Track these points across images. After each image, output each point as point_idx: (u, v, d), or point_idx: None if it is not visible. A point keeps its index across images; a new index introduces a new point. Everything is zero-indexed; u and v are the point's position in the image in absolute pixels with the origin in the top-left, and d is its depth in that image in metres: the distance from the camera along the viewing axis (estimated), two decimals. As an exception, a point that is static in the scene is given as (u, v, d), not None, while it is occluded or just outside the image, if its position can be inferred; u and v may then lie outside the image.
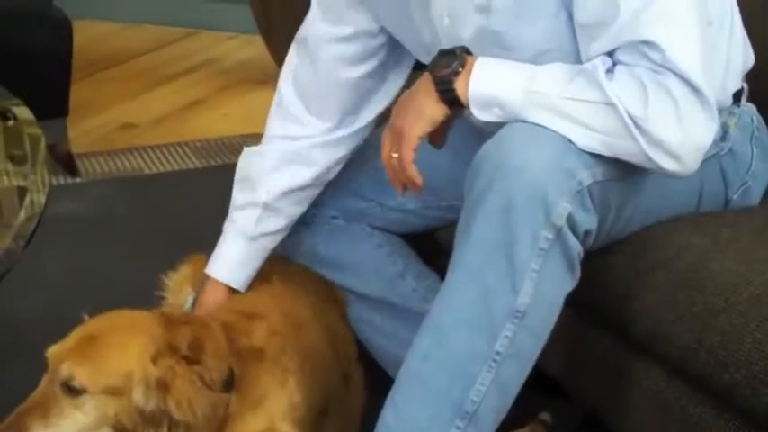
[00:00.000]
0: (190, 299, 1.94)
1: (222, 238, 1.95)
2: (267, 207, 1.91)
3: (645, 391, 1.67)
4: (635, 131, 1.42)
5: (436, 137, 1.59)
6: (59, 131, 3.33)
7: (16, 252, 1.86)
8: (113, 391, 1.55)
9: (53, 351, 1.59)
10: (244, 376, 1.68)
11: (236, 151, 3.56)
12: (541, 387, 1.58)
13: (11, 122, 2.48)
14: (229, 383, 1.64)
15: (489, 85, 1.50)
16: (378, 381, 1.98)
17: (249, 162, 1.94)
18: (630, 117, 1.42)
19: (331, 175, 1.95)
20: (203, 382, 1.59)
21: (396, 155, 1.57)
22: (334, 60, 1.86)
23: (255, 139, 3.63)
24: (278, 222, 1.93)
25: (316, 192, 1.95)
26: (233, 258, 1.92)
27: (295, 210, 1.94)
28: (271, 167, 1.91)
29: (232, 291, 1.91)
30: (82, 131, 3.68)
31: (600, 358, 1.76)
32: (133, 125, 3.87)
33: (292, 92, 1.93)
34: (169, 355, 1.58)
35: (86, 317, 1.67)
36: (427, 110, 1.54)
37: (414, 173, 1.56)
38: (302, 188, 1.92)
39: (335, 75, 1.87)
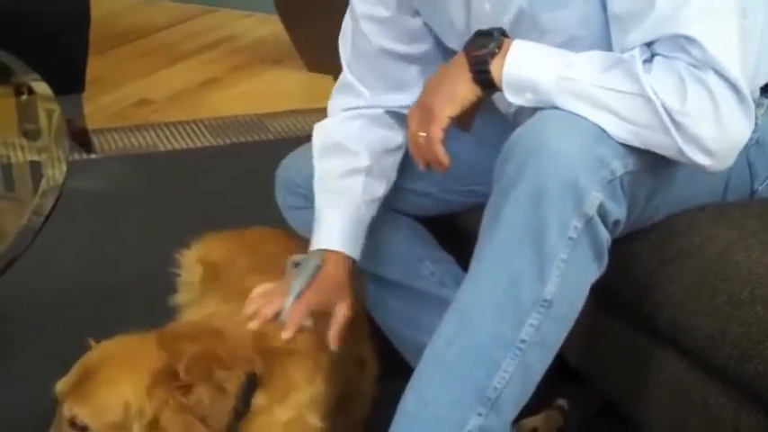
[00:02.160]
0: (296, 284, 1.78)
1: (325, 210, 1.86)
2: (370, 171, 1.87)
3: (665, 381, 1.66)
4: (670, 126, 1.41)
5: (464, 119, 1.57)
6: (75, 107, 3.33)
7: (34, 229, 1.85)
8: (115, 426, 1.56)
9: (59, 388, 1.60)
10: (271, 372, 1.68)
11: (252, 130, 3.64)
12: (558, 374, 1.56)
13: (24, 97, 2.48)
14: (251, 385, 1.64)
15: (525, 68, 1.48)
16: (396, 365, 1.98)
17: (330, 131, 1.91)
18: (667, 111, 1.40)
19: None
20: (201, 413, 1.57)
21: (423, 133, 1.55)
22: (375, 36, 1.84)
23: (271, 117, 3.70)
24: (382, 186, 1.89)
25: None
26: (346, 228, 1.84)
27: (393, 173, 1.91)
28: (357, 130, 1.88)
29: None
30: (97, 107, 3.68)
31: (620, 347, 1.75)
32: (149, 101, 3.87)
33: (350, 55, 1.90)
34: (165, 383, 1.56)
35: (92, 343, 1.66)
36: (460, 90, 1.52)
37: (441, 152, 1.54)
38: (392, 151, 1.89)
39: (377, 49, 1.85)
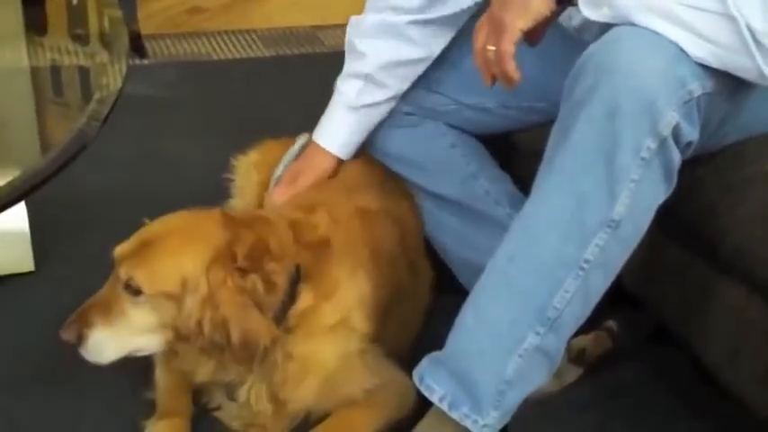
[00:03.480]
0: (280, 168, 2.02)
1: (328, 107, 2.00)
2: (369, 78, 1.93)
3: (724, 308, 1.65)
4: (753, 47, 1.37)
5: (534, 33, 1.52)
6: (129, 12, 3.30)
7: (90, 133, 1.86)
8: (169, 296, 1.57)
9: (118, 251, 1.61)
10: (314, 268, 1.67)
11: (305, 41, 3.60)
12: (611, 295, 1.55)
13: (75, 0, 2.46)
14: (296, 281, 1.63)
15: None
16: (450, 282, 1.98)
17: (354, 29, 1.96)
18: (751, 32, 1.36)
19: (429, 59, 1.93)
20: (255, 299, 1.57)
21: (492, 47, 1.51)
22: None
23: (323, 30, 3.66)
24: (378, 95, 1.94)
25: (418, 70, 1.94)
26: (337, 128, 1.98)
27: (397, 84, 1.94)
28: (371, 34, 1.92)
29: (339, 161, 1.98)
30: (150, 13, 3.64)
31: (679, 272, 1.74)
32: (202, 9, 3.82)
33: None
34: (225, 263, 1.56)
35: (146, 221, 1.67)
36: (533, 3, 1.48)
37: (512, 67, 1.49)
38: (403, 63, 1.92)
39: None
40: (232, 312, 1.55)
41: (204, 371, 1.67)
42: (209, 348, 1.59)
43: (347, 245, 1.74)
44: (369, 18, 1.93)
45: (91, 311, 1.58)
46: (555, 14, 1.51)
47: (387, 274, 1.78)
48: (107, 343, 1.59)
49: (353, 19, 1.96)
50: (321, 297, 1.66)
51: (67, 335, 1.57)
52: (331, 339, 1.67)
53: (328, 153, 1.98)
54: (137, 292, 1.56)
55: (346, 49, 1.97)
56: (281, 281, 1.61)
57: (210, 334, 1.55)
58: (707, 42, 1.40)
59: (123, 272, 1.57)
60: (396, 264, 1.83)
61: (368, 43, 1.92)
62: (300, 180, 1.97)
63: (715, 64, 1.41)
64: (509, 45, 1.48)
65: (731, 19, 1.37)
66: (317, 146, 1.99)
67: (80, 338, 1.57)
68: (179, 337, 1.60)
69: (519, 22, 1.48)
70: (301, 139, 2.07)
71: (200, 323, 1.55)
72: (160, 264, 1.57)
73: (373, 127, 1.98)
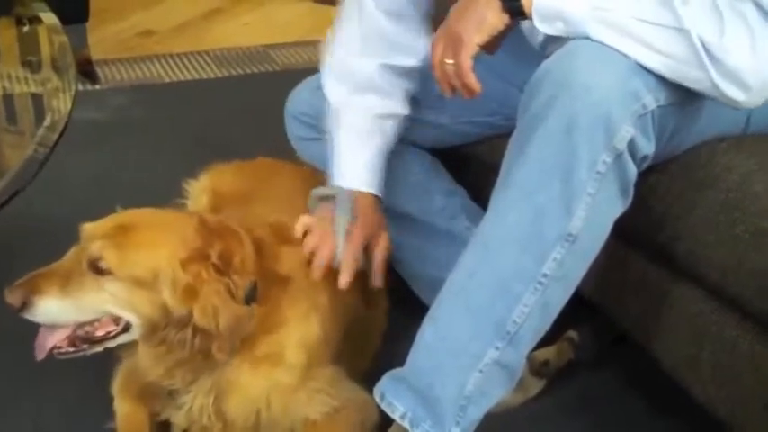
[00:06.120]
0: (341, 223, 1.80)
1: (348, 147, 1.85)
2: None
3: (680, 313, 1.65)
4: (706, 60, 1.37)
5: (491, 44, 1.53)
6: (79, 37, 3.29)
7: (39, 160, 1.84)
8: (138, 282, 1.55)
9: (87, 228, 1.59)
10: (266, 298, 1.66)
11: (256, 61, 3.60)
12: (571, 304, 1.55)
13: (26, 28, 2.45)
14: (251, 299, 1.63)
15: None
16: (408, 298, 1.98)
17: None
18: (703, 45, 1.37)
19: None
20: (230, 294, 1.58)
21: (450, 61, 1.52)
22: None
23: (275, 48, 3.66)
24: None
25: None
26: (373, 167, 1.86)
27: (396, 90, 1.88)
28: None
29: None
30: (101, 38, 3.63)
31: (635, 278, 1.74)
32: (153, 32, 3.83)
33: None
34: (199, 261, 1.56)
35: (120, 210, 1.66)
36: (489, 18, 1.48)
37: (472, 80, 1.50)
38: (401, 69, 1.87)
39: None
40: (216, 300, 1.55)
41: (155, 371, 1.66)
42: (174, 342, 1.58)
43: (305, 287, 1.72)
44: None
45: (43, 279, 1.55)
46: (511, 28, 1.51)
47: (341, 312, 1.77)
48: (57, 312, 1.56)
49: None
50: (264, 327, 1.65)
51: (13, 298, 1.53)
52: (266, 370, 1.66)
53: (372, 195, 1.84)
54: (102, 272, 1.54)
55: (361, 88, 1.86)
56: (240, 295, 1.61)
57: (201, 322, 1.55)
58: (660, 55, 1.39)
59: (95, 249, 1.54)
60: (351, 296, 1.81)
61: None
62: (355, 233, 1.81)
63: (669, 76, 1.41)
64: (467, 60, 1.49)
65: (684, 33, 1.37)
66: (360, 193, 1.83)
67: (25, 304, 1.53)
68: (148, 326, 1.58)
69: (475, 37, 1.49)
70: (319, 191, 1.88)
71: (189, 313, 1.55)
72: (135, 251, 1.56)
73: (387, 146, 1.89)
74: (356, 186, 1.82)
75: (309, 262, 1.74)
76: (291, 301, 1.69)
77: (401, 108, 1.88)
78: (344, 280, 1.72)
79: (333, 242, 1.75)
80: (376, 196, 1.84)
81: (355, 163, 1.84)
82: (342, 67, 1.88)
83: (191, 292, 1.55)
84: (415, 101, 1.90)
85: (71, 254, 1.59)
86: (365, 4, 1.83)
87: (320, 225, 1.78)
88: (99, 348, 1.62)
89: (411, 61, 1.85)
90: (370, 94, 1.85)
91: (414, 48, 1.84)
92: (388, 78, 1.86)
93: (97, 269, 1.54)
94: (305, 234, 1.77)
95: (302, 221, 1.78)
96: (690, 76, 1.40)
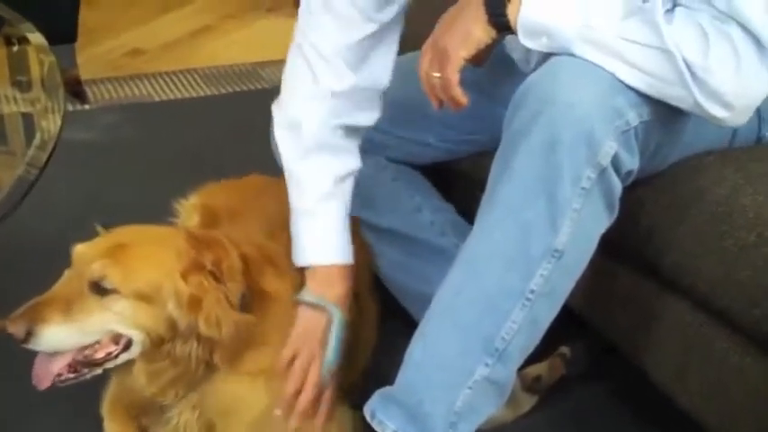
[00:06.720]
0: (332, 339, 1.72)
1: (314, 220, 1.78)
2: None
3: (669, 326, 1.65)
4: (689, 80, 1.38)
5: (478, 58, 1.52)
6: (68, 57, 3.29)
7: (30, 180, 1.84)
8: (144, 298, 1.56)
9: (80, 249, 1.59)
10: (253, 307, 1.67)
11: (245, 78, 3.60)
12: (561, 319, 1.55)
13: (15, 48, 2.45)
14: (244, 307, 1.64)
15: (541, 13, 1.44)
16: (398, 314, 1.97)
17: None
18: (687, 65, 1.37)
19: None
20: (228, 302, 1.60)
21: (437, 74, 1.51)
22: None
23: (264, 66, 3.66)
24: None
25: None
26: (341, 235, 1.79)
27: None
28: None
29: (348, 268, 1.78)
30: (90, 57, 3.64)
31: (624, 292, 1.75)
32: (142, 51, 3.83)
33: None
34: (197, 271, 1.58)
35: (101, 230, 1.67)
36: (475, 32, 1.48)
37: (458, 93, 1.50)
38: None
39: None
40: (218, 309, 1.57)
41: (149, 388, 1.65)
42: (177, 355, 1.59)
43: (287, 307, 1.72)
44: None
45: (44, 307, 1.54)
46: (497, 42, 1.51)
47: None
48: (62, 338, 1.55)
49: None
50: (249, 342, 1.65)
51: (15, 329, 1.51)
52: (249, 386, 1.66)
53: (340, 267, 1.77)
54: (107, 291, 1.54)
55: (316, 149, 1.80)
56: (236, 302, 1.62)
57: (207, 332, 1.56)
58: (644, 74, 1.40)
59: (97, 269, 1.54)
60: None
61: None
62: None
63: (650, 93, 1.42)
64: (453, 74, 1.49)
65: (668, 53, 1.37)
66: (326, 267, 1.75)
67: (29, 334, 1.51)
68: (153, 341, 1.58)
69: (462, 52, 1.48)
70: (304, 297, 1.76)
71: (194, 324, 1.56)
72: (138, 267, 1.56)
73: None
74: (332, 260, 1.75)
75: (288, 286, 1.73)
76: (277, 317, 1.69)
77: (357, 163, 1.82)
78: (320, 423, 1.69)
79: (316, 373, 1.68)
80: (349, 266, 1.77)
81: (326, 235, 1.77)
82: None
83: (195, 303, 1.56)
84: (400, 120, 1.90)
85: (66, 278, 1.59)
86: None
87: (307, 347, 1.70)
88: (99, 371, 1.61)
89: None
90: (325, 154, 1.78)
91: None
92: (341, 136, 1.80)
93: (100, 289, 1.54)
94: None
95: (286, 351, 1.69)
96: (673, 95, 1.41)
